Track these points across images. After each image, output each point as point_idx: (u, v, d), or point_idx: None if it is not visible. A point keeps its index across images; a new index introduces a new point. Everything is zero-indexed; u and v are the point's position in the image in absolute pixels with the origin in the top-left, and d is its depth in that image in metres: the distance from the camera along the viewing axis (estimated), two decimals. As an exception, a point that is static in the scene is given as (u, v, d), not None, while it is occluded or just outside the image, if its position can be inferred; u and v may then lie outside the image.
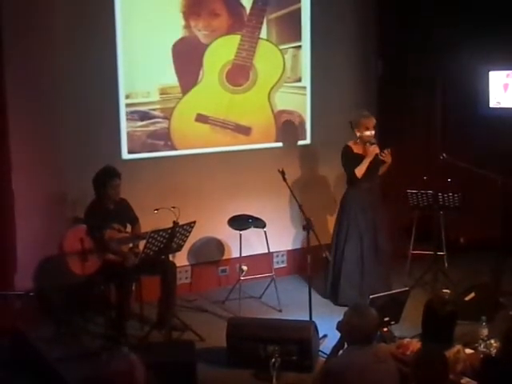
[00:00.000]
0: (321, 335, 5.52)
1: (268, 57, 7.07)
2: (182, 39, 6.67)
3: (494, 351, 4.68)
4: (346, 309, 4.05)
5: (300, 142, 7.35)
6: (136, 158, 6.58)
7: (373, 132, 6.38)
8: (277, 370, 4.74)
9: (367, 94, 7.72)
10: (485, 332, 4.90)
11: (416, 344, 4.44)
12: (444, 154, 6.68)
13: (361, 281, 6.44)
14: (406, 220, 7.24)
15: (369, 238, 6.46)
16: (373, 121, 6.39)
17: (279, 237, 7.22)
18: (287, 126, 7.28)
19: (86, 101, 6.25)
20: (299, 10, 7.19)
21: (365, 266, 6.45)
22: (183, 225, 5.64)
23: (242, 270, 6.74)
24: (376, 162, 6.39)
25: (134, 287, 5.92)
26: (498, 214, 6.65)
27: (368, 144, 6.34)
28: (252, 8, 6.94)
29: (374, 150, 6.32)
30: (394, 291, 5.70)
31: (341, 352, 4.12)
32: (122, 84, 6.43)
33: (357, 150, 6.42)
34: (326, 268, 6.54)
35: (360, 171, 6.33)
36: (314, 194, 7.19)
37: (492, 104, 7.40)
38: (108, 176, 5.78)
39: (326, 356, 4.89)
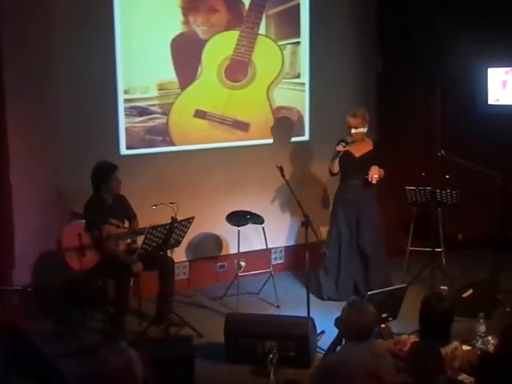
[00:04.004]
0: (319, 331, 5.53)
1: (267, 53, 7.07)
2: (180, 35, 6.66)
3: (491, 348, 4.69)
4: (343, 305, 4.06)
5: (298, 139, 7.35)
6: (134, 154, 6.57)
7: (354, 130, 6.30)
8: (274, 365, 4.74)
9: (366, 91, 7.72)
10: (482, 329, 4.91)
11: (414, 340, 4.44)
12: (442, 151, 6.69)
13: (337, 276, 6.45)
14: (404, 216, 7.25)
15: (348, 236, 6.44)
16: (355, 120, 6.31)
17: (277, 233, 7.22)
18: (286, 123, 7.28)
19: (84, 96, 6.25)
20: (298, 5, 7.18)
21: (341, 263, 6.45)
22: (181, 220, 5.64)
23: (240, 266, 6.75)
24: (366, 162, 6.35)
25: (131, 283, 5.92)
26: (497, 210, 6.65)
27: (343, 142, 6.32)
28: (251, 4, 6.93)
29: (338, 148, 6.29)
30: (391, 288, 5.70)
31: (338, 348, 4.13)
32: (121, 79, 6.42)
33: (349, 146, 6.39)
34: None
35: (331, 167, 6.41)
36: (312, 191, 7.19)
37: (491, 101, 7.40)
38: (110, 169, 5.78)
39: (323, 352, 4.90)
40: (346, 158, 6.37)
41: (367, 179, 6.32)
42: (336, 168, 6.40)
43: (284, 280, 6.98)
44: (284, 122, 7.26)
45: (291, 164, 7.11)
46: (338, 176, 6.52)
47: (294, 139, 7.33)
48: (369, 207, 6.47)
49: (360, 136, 6.36)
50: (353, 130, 6.30)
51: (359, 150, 6.43)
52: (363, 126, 6.35)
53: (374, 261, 6.47)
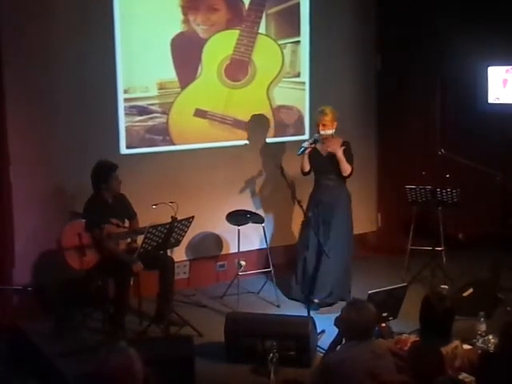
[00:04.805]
0: (319, 330, 5.52)
1: (267, 52, 7.07)
2: (180, 34, 6.66)
3: (491, 347, 4.69)
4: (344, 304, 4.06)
5: (299, 138, 7.32)
6: (134, 153, 6.57)
7: (326, 129, 6.14)
8: (275, 365, 4.72)
9: (366, 89, 7.73)
10: (483, 328, 4.92)
11: (414, 340, 4.44)
12: (442, 150, 6.68)
13: (302, 277, 6.34)
14: (404, 216, 7.24)
15: (313, 236, 6.19)
16: (324, 117, 6.13)
17: (277, 232, 7.22)
18: (286, 121, 7.27)
19: (84, 95, 6.24)
20: (298, 4, 7.18)
21: (306, 263, 6.27)
22: (181, 220, 5.64)
23: (240, 265, 6.74)
24: (333, 160, 6.17)
25: (132, 282, 5.92)
26: (497, 209, 6.65)
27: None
28: (251, 3, 6.93)
29: (304, 144, 6.15)
30: (392, 287, 5.69)
31: (339, 347, 4.12)
32: (121, 79, 6.42)
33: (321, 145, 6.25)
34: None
35: (301, 166, 6.26)
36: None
37: (491, 100, 7.39)
38: (110, 169, 5.77)
39: (324, 351, 4.90)
40: (314, 156, 6.24)
41: (334, 179, 6.19)
42: (306, 166, 6.25)
43: (284, 279, 6.96)
44: (285, 122, 7.26)
45: (291, 163, 7.09)
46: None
47: (294, 138, 7.32)
48: (339, 209, 6.26)
49: (328, 135, 6.19)
50: (321, 131, 6.14)
51: (328, 148, 6.24)
52: (332, 125, 6.14)
53: (328, 264, 6.14)
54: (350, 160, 6.20)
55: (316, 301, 6.13)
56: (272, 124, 7.20)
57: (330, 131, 6.16)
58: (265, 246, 6.72)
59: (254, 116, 7.05)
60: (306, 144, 6.18)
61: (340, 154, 6.13)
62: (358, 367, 3.70)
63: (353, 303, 3.96)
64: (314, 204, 6.30)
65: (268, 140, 7.17)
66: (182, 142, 6.81)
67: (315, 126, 6.28)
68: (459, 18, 7.15)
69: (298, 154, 6.18)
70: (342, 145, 6.23)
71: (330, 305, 6.21)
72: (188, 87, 6.75)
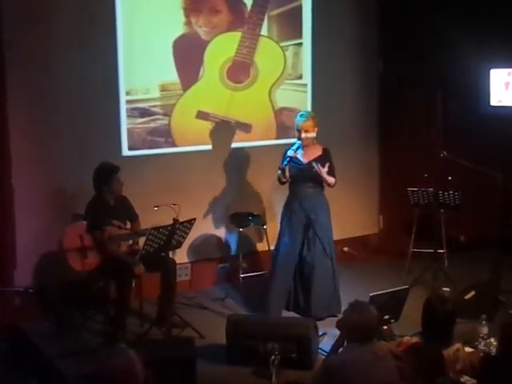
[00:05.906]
0: (320, 333, 5.52)
1: (269, 54, 7.07)
2: (182, 36, 6.66)
3: (493, 350, 4.68)
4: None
5: (300, 140, 7.33)
6: (136, 155, 6.58)
7: (307, 135, 5.92)
8: (276, 367, 4.72)
9: (368, 92, 7.74)
10: (484, 330, 4.90)
11: (414, 342, 4.43)
12: (445, 152, 6.67)
13: (273, 289, 6.14)
14: (406, 218, 7.23)
15: (289, 245, 6.04)
16: (308, 122, 5.92)
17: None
18: (288, 123, 7.27)
19: (86, 97, 6.25)
20: (300, 7, 7.19)
21: (284, 270, 6.08)
22: (183, 222, 5.63)
23: (242, 267, 6.74)
24: (313, 168, 5.93)
25: (133, 284, 5.91)
26: (499, 212, 6.63)
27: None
28: (253, 5, 6.94)
29: (290, 153, 5.93)
30: (393, 289, 5.68)
31: (341, 350, 4.12)
32: (123, 80, 6.43)
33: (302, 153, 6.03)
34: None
35: (281, 175, 5.94)
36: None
37: (493, 102, 7.38)
38: (111, 171, 5.76)
39: (325, 354, 4.89)
40: (293, 164, 5.98)
41: (313, 187, 5.99)
42: (287, 174, 5.94)
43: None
44: (287, 124, 7.26)
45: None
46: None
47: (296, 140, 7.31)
48: (320, 217, 6.03)
49: (310, 141, 5.99)
50: (303, 135, 5.94)
51: (308, 155, 6.02)
52: (313, 130, 5.97)
53: (317, 276, 6.02)
54: (332, 171, 6.00)
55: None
56: (274, 126, 7.21)
57: (310, 135, 5.97)
58: (266, 248, 6.71)
59: (257, 118, 7.05)
60: (290, 153, 5.94)
61: (325, 175, 5.91)
62: (359, 369, 3.69)
63: (354, 305, 3.95)
64: (291, 214, 6.06)
65: (270, 142, 7.18)
66: (184, 144, 6.81)
67: (295, 130, 6.04)
68: (460, 19, 7.14)
69: (284, 166, 5.92)
70: (322, 152, 6.04)
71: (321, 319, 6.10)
72: (190, 89, 6.75)
